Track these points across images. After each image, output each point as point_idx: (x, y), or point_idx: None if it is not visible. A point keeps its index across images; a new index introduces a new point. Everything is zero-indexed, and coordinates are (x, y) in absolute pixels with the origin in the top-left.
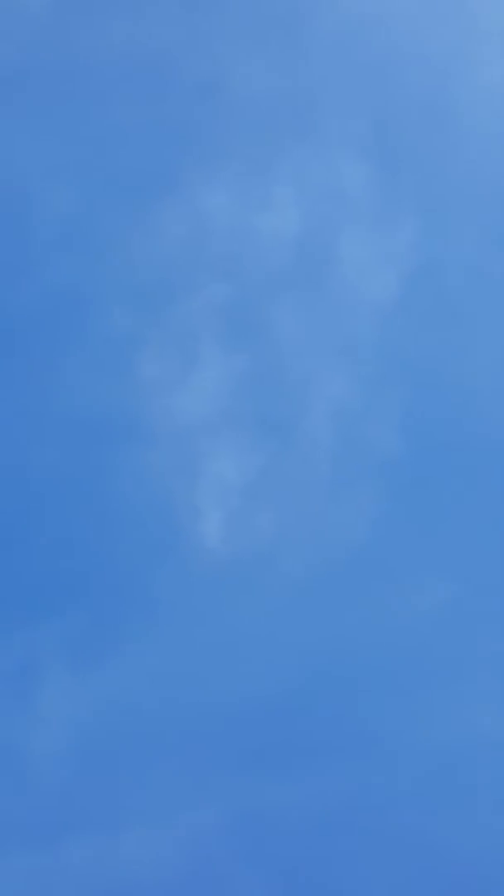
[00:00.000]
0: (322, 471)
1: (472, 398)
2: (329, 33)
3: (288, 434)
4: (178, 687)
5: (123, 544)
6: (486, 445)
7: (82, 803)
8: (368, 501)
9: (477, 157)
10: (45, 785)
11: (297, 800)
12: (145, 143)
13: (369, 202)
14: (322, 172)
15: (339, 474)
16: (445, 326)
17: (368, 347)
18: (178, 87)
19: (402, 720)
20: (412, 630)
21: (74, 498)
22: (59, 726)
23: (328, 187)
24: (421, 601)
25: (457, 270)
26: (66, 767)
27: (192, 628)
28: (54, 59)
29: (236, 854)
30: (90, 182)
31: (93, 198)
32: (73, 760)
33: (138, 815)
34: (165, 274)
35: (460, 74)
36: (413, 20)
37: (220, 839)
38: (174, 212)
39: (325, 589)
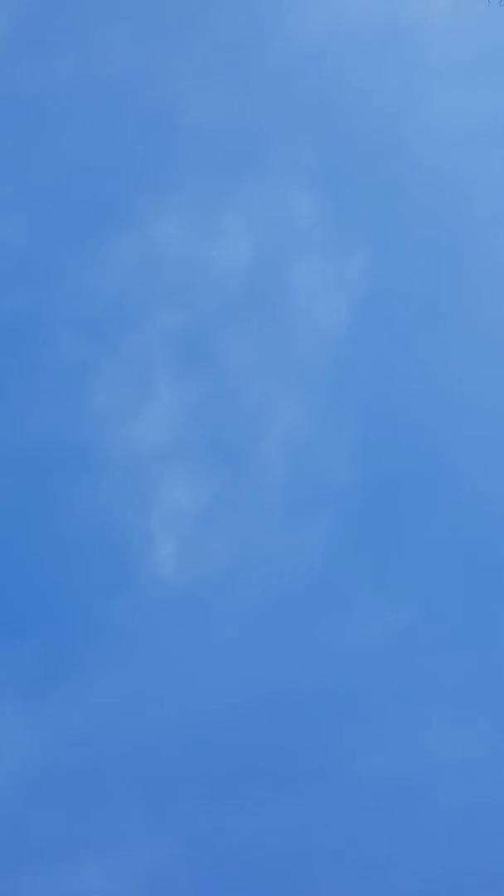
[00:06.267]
0: (275, 498)
1: (423, 425)
2: (278, 67)
3: (241, 462)
4: (133, 717)
5: (76, 575)
6: (438, 472)
7: (37, 834)
8: (322, 528)
9: (425, 188)
10: (0, 815)
11: (255, 829)
12: (97, 174)
13: (319, 232)
14: (272, 203)
15: (292, 501)
16: (396, 354)
17: (320, 375)
18: (129, 118)
19: (360, 745)
20: (367, 655)
21: (26, 528)
22: (13, 756)
23: (279, 218)
24: (375, 626)
25: (407, 299)
26: (20, 798)
27: (147, 658)
28: (4, 91)
29: (194, 885)
30: (42, 212)
31: (44, 227)
32: (28, 791)
33: (93, 845)
34: (117, 303)
35: (408, 108)
36: (361, 55)
37: (177, 870)
38: (126, 242)
39: (280, 616)
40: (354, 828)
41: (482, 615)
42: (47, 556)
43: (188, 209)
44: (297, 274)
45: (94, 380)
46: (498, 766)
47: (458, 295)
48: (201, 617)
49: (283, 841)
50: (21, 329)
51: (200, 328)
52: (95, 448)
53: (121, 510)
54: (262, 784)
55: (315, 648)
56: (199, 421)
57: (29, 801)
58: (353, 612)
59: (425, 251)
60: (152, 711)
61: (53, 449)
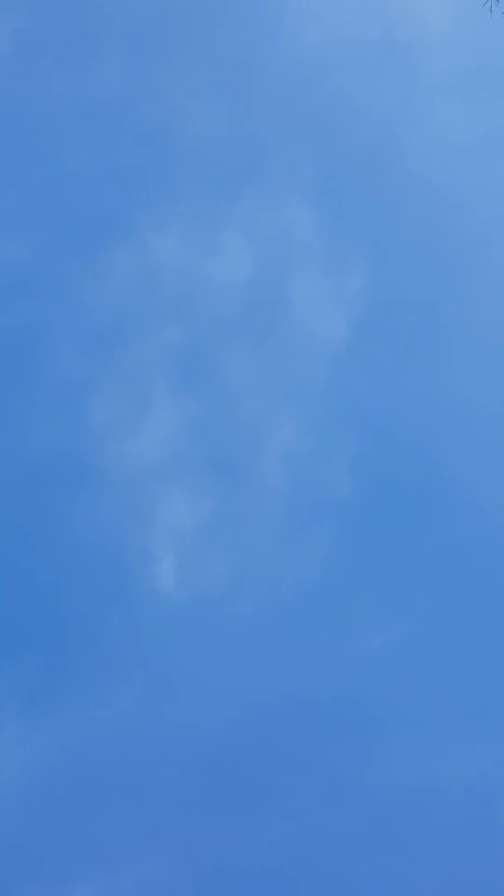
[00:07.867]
0: (274, 513)
1: (422, 439)
2: (277, 82)
3: (240, 477)
4: (132, 731)
5: (76, 590)
6: (437, 486)
7: (35, 849)
8: (321, 542)
9: (423, 202)
10: None
11: (253, 844)
12: (96, 189)
13: (318, 247)
14: (271, 218)
15: (291, 516)
16: (395, 368)
17: (319, 390)
18: (129, 133)
19: (359, 760)
20: (367, 669)
21: (26, 543)
22: (11, 770)
23: (277, 232)
24: (375, 640)
25: (405, 312)
26: (18, 812)
27: (146, 673)
28: (4, 107)
29: None
30: (41, 227)
31: (43, 242)
32: (25, 808)
33: (91, 861)
34: (117, 318)
35: (406, 122)
36: (359, 70)
37: (175, 887)
38: (125, 256)
39: (280, 630)
40: (354, 843)
41: (483, 628)
42: (47, 570)
43: (187, 223)
44: (296, 288)
45: (94, 395)
46: (499, 780)
47: (457, 308)
48: (201, 631)
49: (281, 856)
50: (20, 344)
51: (199, 343)
52: (95, 463)
53: (120, 525)
54: (261, 799)
55: (315, 662)
56: (198, 436)
57: (27, 816)
58: (353, 626)
59: (424, 265)
60: (151, 726)
61: (53, 464)
